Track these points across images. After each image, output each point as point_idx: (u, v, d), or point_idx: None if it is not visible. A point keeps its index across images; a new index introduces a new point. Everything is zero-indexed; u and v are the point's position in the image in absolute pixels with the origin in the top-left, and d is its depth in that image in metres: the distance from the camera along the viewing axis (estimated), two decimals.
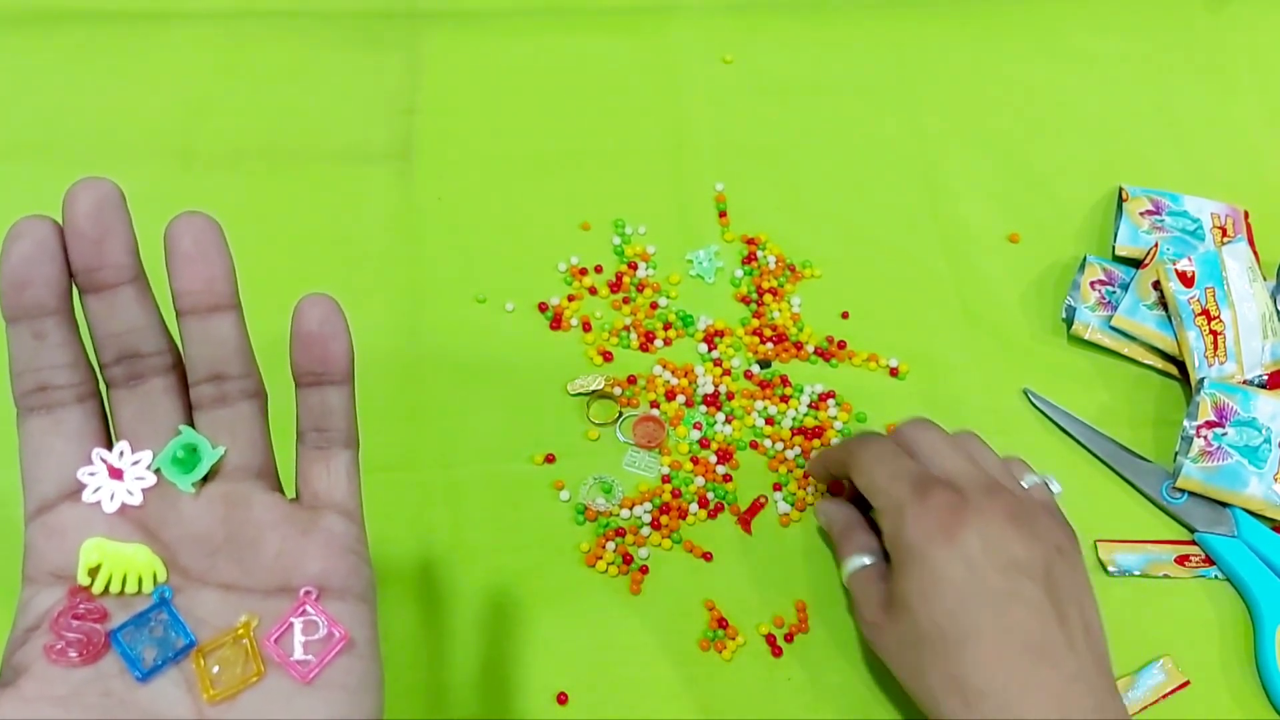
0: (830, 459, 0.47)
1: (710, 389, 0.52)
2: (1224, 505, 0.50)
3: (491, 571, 0.47)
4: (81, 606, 0.28)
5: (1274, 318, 0.54)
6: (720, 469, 0.50)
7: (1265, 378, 0.52)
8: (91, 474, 0.29)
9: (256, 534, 0.30)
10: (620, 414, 0.51)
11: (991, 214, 0.59)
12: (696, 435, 0.51)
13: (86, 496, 0.29)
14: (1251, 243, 0.58)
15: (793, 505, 0.50)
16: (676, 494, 0.50)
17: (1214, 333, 0.52)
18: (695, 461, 0.51)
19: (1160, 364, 0.55)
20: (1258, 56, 0.67)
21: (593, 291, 0.55)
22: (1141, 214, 0.58)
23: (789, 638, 0.46)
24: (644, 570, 0.48)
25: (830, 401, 0.52)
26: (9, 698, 0.26)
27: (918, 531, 0.39)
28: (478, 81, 0.62)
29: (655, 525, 0.49)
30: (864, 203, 0.59)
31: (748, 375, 0.53)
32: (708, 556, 0.48)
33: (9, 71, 0.60)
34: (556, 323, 0.54)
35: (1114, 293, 0.56)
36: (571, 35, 0.64)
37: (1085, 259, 0.57)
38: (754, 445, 0.51)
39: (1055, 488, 0.45)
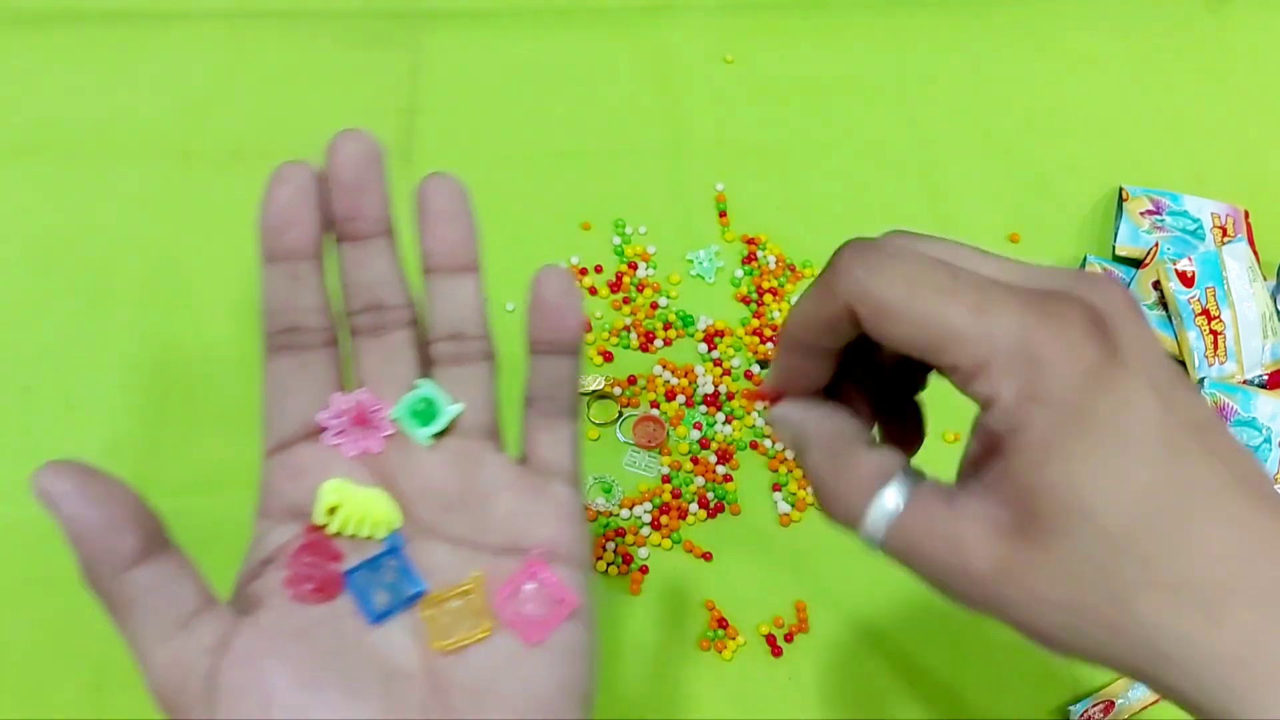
0: (809, 318, 0.28)
1: (710, 389, 0.52)
2: None
3: None
4: (318, 545, 0.28)
5: (1274, 317, 0.54)
6: (720, 469, 0.50)
7: (1265, 377, 0.52)
8: (335, 417, 0.29)
9: (489, 492, 0.30)
10: (620, 414, 0.51)
11: (991, 213, 0.60)
12: (696, 435, 0.51)
13: (328, 439, 0.29)
14: (1251, 242, 0.58)
15: (793, 505, 0.50)
16: (676, 494, 0.50)
17: (1214, 332, 0.52)
18: (695, 461, 0.51)
19: None
20: (1258, 56, 0.67)
21: (593, 291, 0.55)
22: (1142, 214, 0.58)
23: (789, 638, 0.47)
24: (644, 570, 0.48)
25: None
26: (247, 627, 0.26)
27: (1073, 378, 0.23)
28: (478, 81, 0.62)
29: (655, 525, 0.49)
30: (864, 202, 0.59)
31: (748, 375, 0.53)
32: (707, 556, 0.48)
33: (9, 71, 0.60)
34: None
35: None
36: (572, 35, 0.64)
37: (1085, 259, 0.57)
38: (754, 445, 0.51)
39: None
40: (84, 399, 0.50)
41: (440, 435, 0.30)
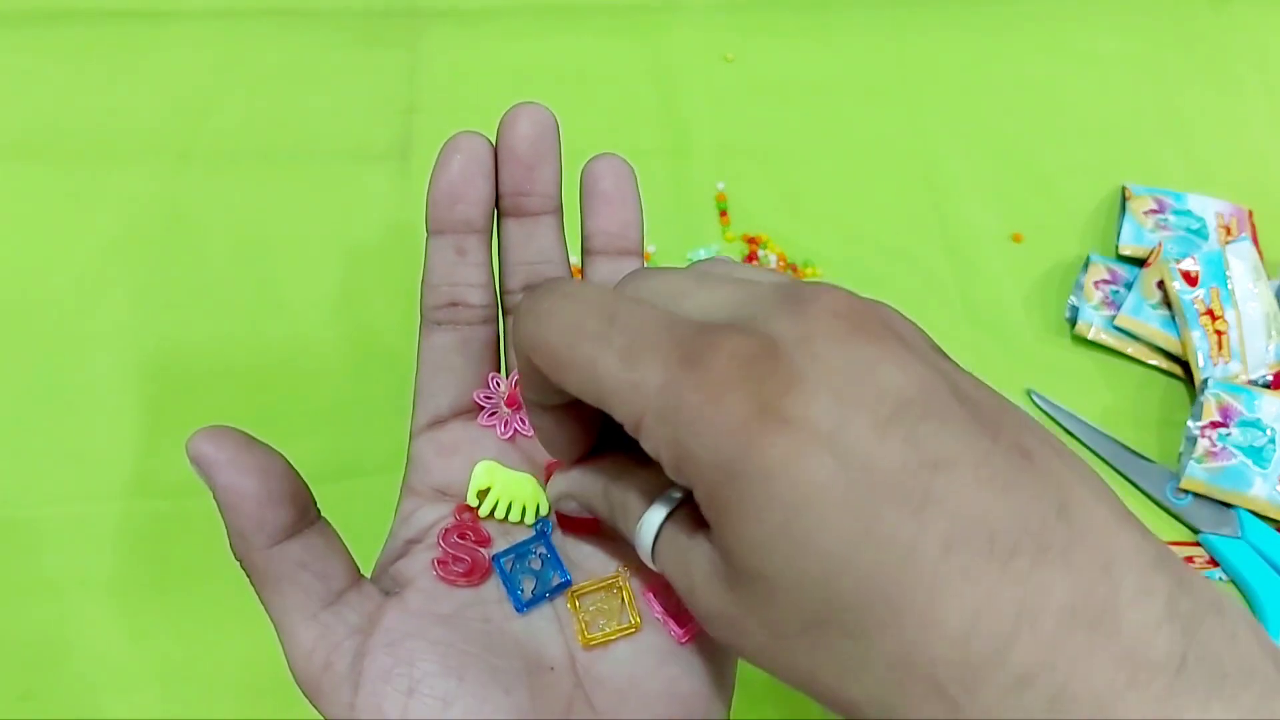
0: (523, 373, 0.24)
1: None
2: (1228, 506, 0.49)
3: None
4: (468, 526, 0.27)
5: (1278, 317, 0.53)
6: None
7: (1270, 378, 0.52)
8: (488, 397, 0.29)
9: None
10: None
11: (994, 213, 0.59)
12: None
13: (482, 419, 0.28)
14: (1256, 242, 0.57)
15: None
16: None
17: (1218, 332, 0.52)
18: None
19: (1164, 364, 0.54)
20: (1261, 55, 0.66)
21: None
22: (1145, 213, 0.57)
23: None
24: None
25: None
26: (395, 607, 0.26)
27: (718, 433, 0.19)
28: (477, 80, 0.61)
29: None
30: (865, 202, 0.59)
31: None
32: None
33: (9, 71, 0.60)
34: None
35: (1118, 292, 0.55)
36: (572, 35, 0.64)
37: (1089, 258, 0.57)
38: None
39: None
40: (82, 399, 0.50)
41: None
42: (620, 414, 0.21)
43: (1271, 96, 0.65)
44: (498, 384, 0.29)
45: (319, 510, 0.26)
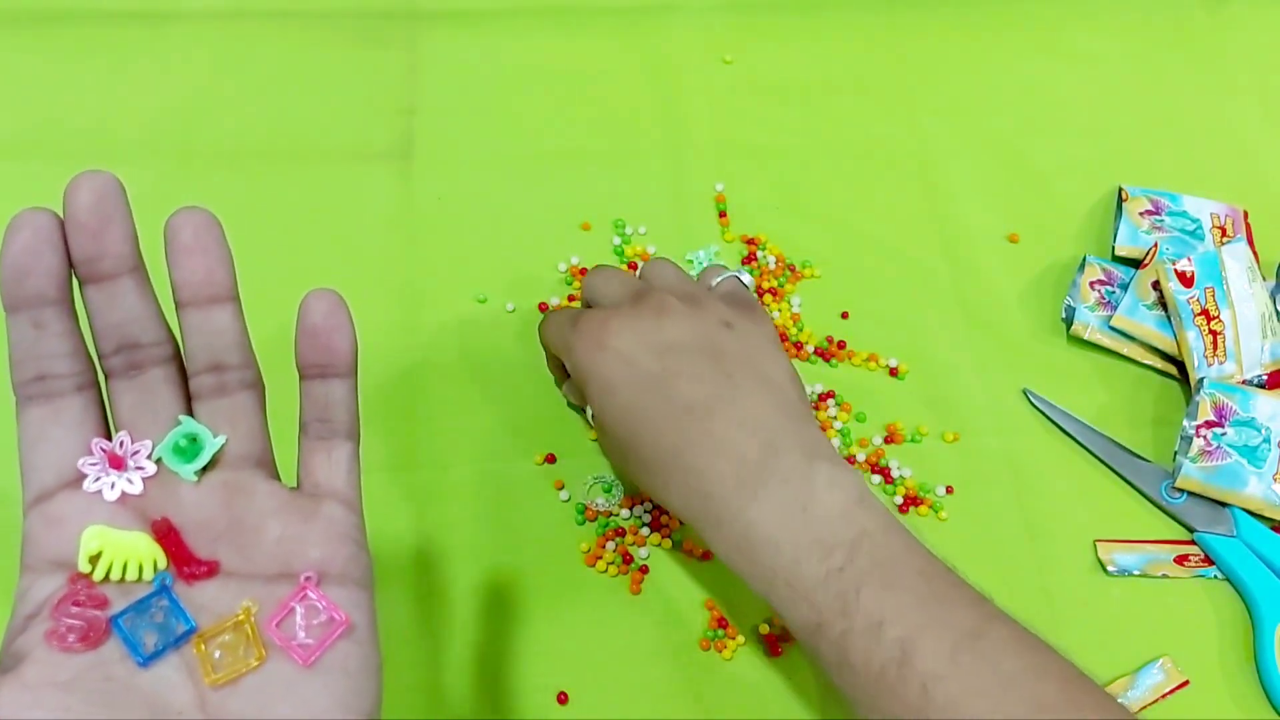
0: (547, 356, 0.50)
1: None
2: (1223, 505, 0.50)
3: (491, 571, 0.47)
4: (82, 593, 0.28)
5: (1273, 318, 0.54)
6: None
7: (1265, 378, 0.52)
8: (92, 463, 0.29)
9: (258, 521, 0.30)
10: None
11: (991, 214, 0.60)
12: None
13: (87, 486, 0.29)
14: (1251, 243, 0.58)
15: None
16: None
17: (1213, 333, 0.52)
18: None
19: (1160, 364, 0.55)
20: (1256, 56, 0.67)
21: None
22: (1141, 214, 0.58)
23: (788, 638, 0.46)
24: (644, 570, 0.48)
25: (830, 401, 0.52)
26: (10, 683, 0.26)
27: (579, 355, 0.42)
28: (477, 81, 0.62)
29: (655, 525, 0.49)
30: (863, 203, 0.59)
31: None
32: (707, 556, 0.48)
33: (9, 71, 0.60)
34: None
35: (1113, 293, 0.56)
36: (571, 35, 0.64)
37: (1085, 259, 0.57)
38: None
39: (746, 280, 0.47)
40: None
41: (207, 469, 0.30)
42: (561, 357, 0.45)
43: (1267, 98, 0.65)
44: (101, 449, 0.29)
45: None
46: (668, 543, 0.48)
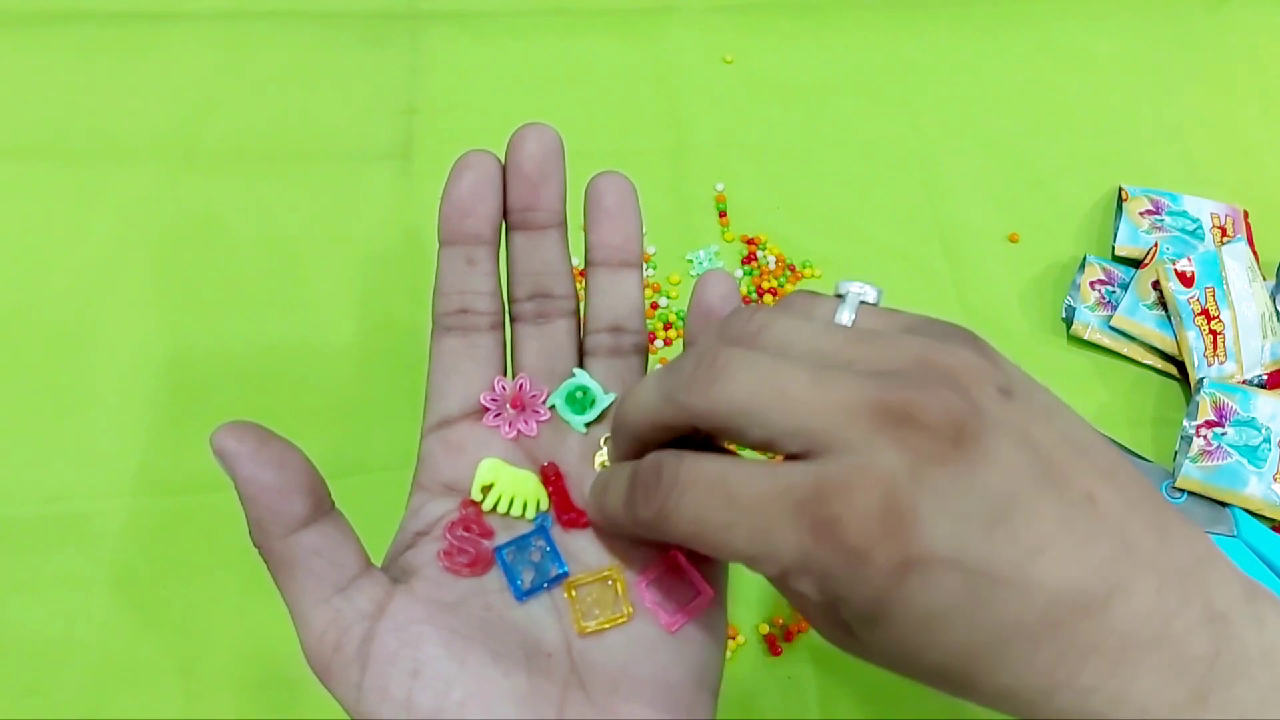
0: (659, 413, 0.26)
1: None
2: (1223, 505, 0.50)
3: None
4: (473, 520, 0.29)
5: (1273, 317, 0.54)
6: None
7: (1265, 377, 0.52)
8: (494, 399, 0.30)
9: None
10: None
11: (991, 214, 0.60)
12: None
13: (488, 420, 0.30)
14: (1251, 243, 0.58)
15: None
16: None
17: (1213, 332, 0.52)
18: None
19: (1160, 364, 0.55)
20: (1257, 56, 0.67)
21: None
22: (1141, 214, 0.58)
23: (789, 637, 0.47)
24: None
25: None
26: (402, 594, 0.27)
27: (864, 586, 0.22)
28: (478, 81, 0.62)
29: None
30: (864, 203, 0.59)
31: None
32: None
33: (9, 71, 0.60)
34: None
35: (1113, 292, 0.56)
36: (571, 35, 0.64)
37: (1085, 259, 0.57)
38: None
39: (871, 296, 0.27)
40: (87, 397, 0.50)
41: (594, 423, 0.31)
42: (762, 571, 0.23)
43: (1266, 98, 0.65)
44: (504, 387, 0.30)
45: (333, 501, 0.27)
46: None
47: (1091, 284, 0.56)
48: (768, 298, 0.55)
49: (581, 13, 0.65)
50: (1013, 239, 0.59)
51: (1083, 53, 0.66)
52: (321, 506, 0.27)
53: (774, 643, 0.46)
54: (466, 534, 0.28)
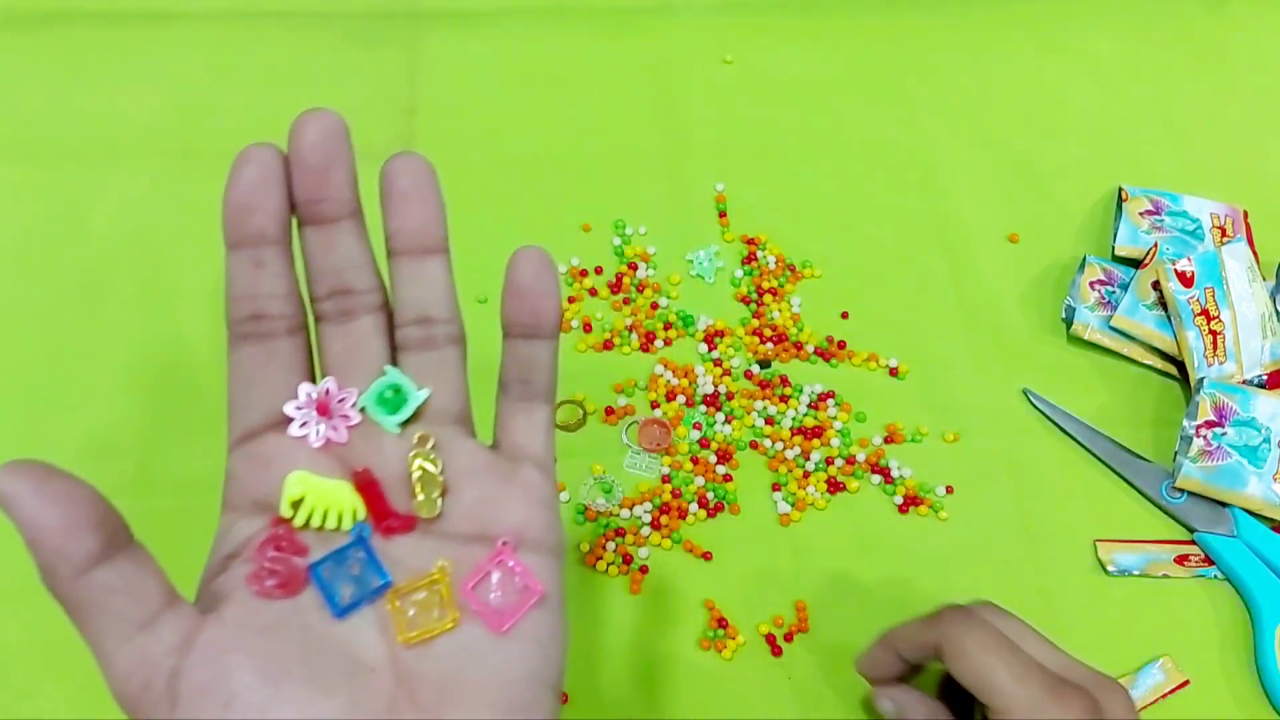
0: (910, 639, 0.40)
1: (710, 389, 0.52)
2: (1223, 505, 0.50)
3: None
4: (284, 538, 0.27)
5: (1273, 318, 0.54)
6: (720, 469, 0.50)
7: (1265, 378, 0.52)
8: (299, 408, 0.29)
9: (457, 480, 0.29)
10: (584, 417, 0.51)
11: (991, 214, 0.60)
12: (696, 435, 0.51)
13: (293, 430, 0.28)
14: (1251, 243, 0.58)
15: (793, 505, 0.50)
16: (676, 494, 0.50)
17: (1213, 333, 0.52)
18: (695, 461, 0.51)
19: (1160, 364, 0.55)
20: (1257, 56, 0.67)
21: (593, 293, 0.55)
22: (1141, 214, 0.58)
23: (789, 638, 0.47)
24: (644, 570, 0.48)
25: (830, 401, 0.53)
26: (212, 624, 0.26)
27: None
28: (478, 81, 0.62)
29: (655, 525, 0.49)
30: (864, 203, 0.59)
31: (748, 375, 0.53)
32: (707, 556, 0.48)
33: (9, 71, 0.60)
34: None
35: (1113, 292, 0.56)
36: (571, 35, 0.64)
37: (1085, 259, 0.57)
38: (754, 445, 0.51)
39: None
40: (82, 399, 0.50)
41: (408, 423, 0.29)
42: (994, 703, 0.36)
43: (1266, 97, 0.65)
44: (309, 394, 0.29)
45: (131, 534, 0.26)
46: (668, 543, 0.48)
47: (1091, 284, 0.56)
48: (768, 298, 0.55)
49: (581, 13, 0.65)
50: (1013, 239, 0.59)
51: (1082, 52, 0.66)
52: (116, 541, 0.25)
53: (774, 642, 0.46)
54: (277, 553, 0.27)
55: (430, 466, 0.29)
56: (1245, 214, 0.59)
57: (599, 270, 0.55)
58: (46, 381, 0.50)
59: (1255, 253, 0.56)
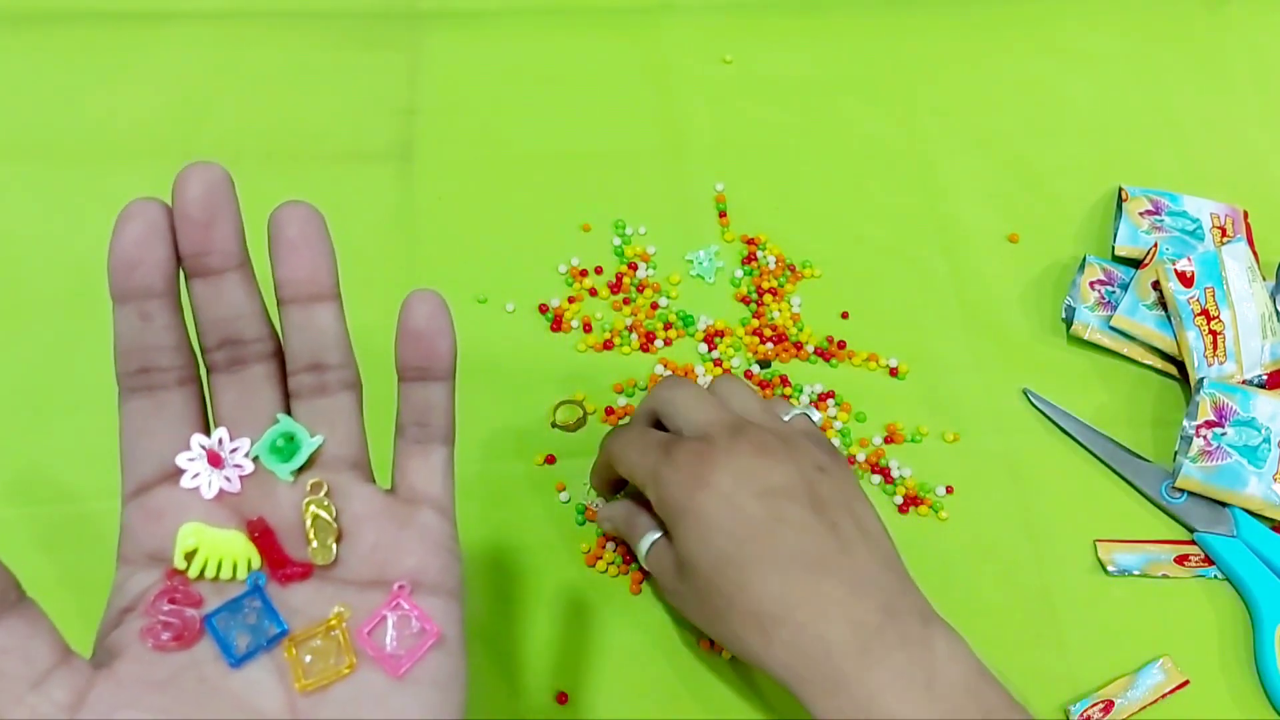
0: (599, 467, 0.46)
1: None
2: (1223, 505, 0.50)
3: (491, 571, 0.47)
4: (178, 591, 0.28)
5: (1273, 318, 0.54)
6: None
7: (1264, 378, 0.52)
8: (191, 459, 0.29)
9: (353, 525, 0.30)
10: (584, 417, 0.51)
11: (991, 214, 0.60)
12: None
13: (185, 482, 0.29)
14: (1251, 243, 0.58)
15: None
16: None
17: (1213, 333, 0.52)
18: None
19: (1160, 364, 0.55)
20: (1256, 55, 0.67)
21: (593, 293, 0.55)
22: (1141, 214, 0.58)
23: None
24: (644, 570, 0.48)
25: (830, 401, 0.52)
26: (104, 679, 0.26)
27: (673, 489, 0.39)
28: (477, 82, 0.62)
29: None
30: (863, 203, 0.59)
31: (748, 375, 0.53)
32: None
33: (9, 71, 0.60)
34: (557, 324, 0.54)
35: (1113, 293, 0.56)
36: (571, 35, 0.64)
37: (1085, 259, 0.57)
38: None
39: (815, 416, 0.47)
40: (82, 398, 0.50)
41: (303, 469, 0.30)
42: (639, 482, 0.42)
43: (1266, 97, 0.65)
44: (201, 445, 0.29)
45: (21, 591, 0.26)
46: None
47: (1091, 284, 0.56)
48: (768, 298, 0.55)
49: (581, 12, 0.65)
50: (1012, 239, 0.59)
51: (1082, 52, 0.66)
52: (4, 600, 0.26)
53: None
54: (171, 605, 0.27)
55: (324, 514, 0.29)
56: (1245, 214, 0.59)
57: (599, 270, 0.55)
58: (46, 382, 0.50)
59: (1255, 253, 0.56)
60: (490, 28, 0.64)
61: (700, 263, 0.56)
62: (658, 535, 0.42)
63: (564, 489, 0.49)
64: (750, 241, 0.57)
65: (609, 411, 0.52)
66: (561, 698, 0.44)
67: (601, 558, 0.48)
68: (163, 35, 0.62)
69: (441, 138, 0.59)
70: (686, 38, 0.64)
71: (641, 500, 0.43)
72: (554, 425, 0.51)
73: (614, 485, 0.47)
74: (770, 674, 0.37)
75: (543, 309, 0.54)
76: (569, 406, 0.52)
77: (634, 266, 0.56)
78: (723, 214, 0.58)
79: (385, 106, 0.60)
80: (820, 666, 0.35)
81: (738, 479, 0.38)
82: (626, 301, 0.55)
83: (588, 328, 0.54)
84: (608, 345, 0.53)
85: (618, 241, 0.57)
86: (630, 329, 0.54)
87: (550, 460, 0.50)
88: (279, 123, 0.59)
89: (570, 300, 0.55)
